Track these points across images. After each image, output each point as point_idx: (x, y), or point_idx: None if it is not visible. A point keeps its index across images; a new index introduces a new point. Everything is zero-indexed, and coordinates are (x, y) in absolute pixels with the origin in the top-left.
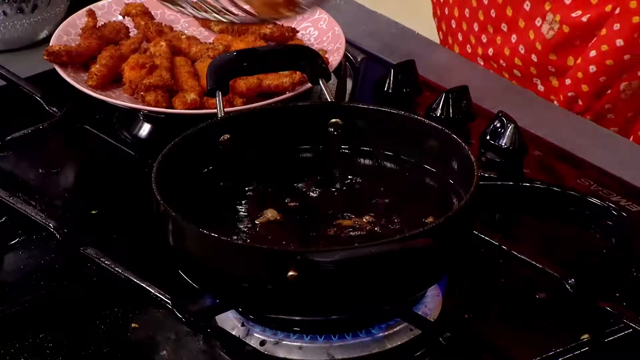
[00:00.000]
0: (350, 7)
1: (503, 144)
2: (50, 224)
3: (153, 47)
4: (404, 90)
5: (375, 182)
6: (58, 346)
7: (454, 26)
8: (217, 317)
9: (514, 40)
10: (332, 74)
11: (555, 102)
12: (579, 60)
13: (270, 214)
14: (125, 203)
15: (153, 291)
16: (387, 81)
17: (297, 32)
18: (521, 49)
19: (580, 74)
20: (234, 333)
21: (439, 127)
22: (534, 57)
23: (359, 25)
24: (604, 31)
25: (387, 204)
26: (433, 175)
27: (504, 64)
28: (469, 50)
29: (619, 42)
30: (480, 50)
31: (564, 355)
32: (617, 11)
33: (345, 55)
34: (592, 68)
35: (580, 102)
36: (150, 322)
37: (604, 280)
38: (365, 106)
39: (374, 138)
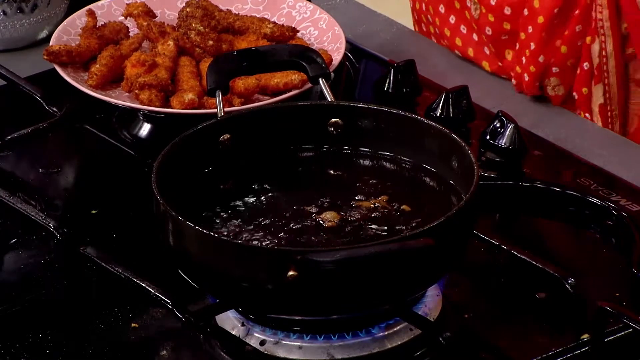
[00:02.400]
0: (350, 7)
1: (503, 144)
2: (50, 224)
3: (160, 46)
4: (404, 90)
5: (375, 182)
6: (58, 346)
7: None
8: (217, 317)
9: (452, 21)
10: (332, 73)
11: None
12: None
13: (330, 215)
14: (125, 203)
15: (153, 291)
16: (387, 81)
17: (298, 31)
18: (462, 29)
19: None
20: (234, 333)
21: (439, 127)
22: (474, 37)
23: (359, 25)
24: (522, 35)
25: (386, 203)
26: (433, 175)
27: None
28: (425, 29)
29: (532, 46)
30: (432, 29)
31: (564, 355)
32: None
33: (345, 55)
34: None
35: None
36: (150, 322)
37: (604, 280)
38: (365, 106)
39: (374, 138)
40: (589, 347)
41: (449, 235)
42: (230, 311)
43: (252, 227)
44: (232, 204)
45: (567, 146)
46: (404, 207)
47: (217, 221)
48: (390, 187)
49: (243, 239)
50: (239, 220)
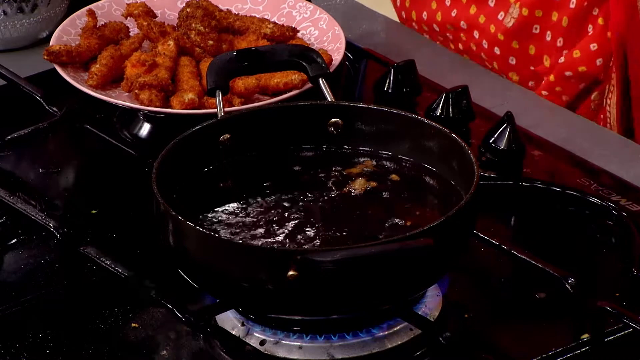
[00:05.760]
0: (350, 7)
1: (502, 144)
2: (50, 224)
3: (161, 46)
4: (404, 90)
5: (375, 182)
6: (58, 346)
7: (416, 28)
8: (217, 317)
9: (476, 36)
10: (332, 73)
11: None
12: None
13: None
14: (125, 203)
15: (153, 291)
16: (387, 81)
17: (298, 31)
18: (485, 44)
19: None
20: (234, 333)
21: (439, 127)
22: (496, 50)
23: (359, 25)
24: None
25: (386, 204)
26: (433, 175)
27: (486, 46)
28: (451, 37)
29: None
30: (463, 36)
31: (563, 355)
32: None
33: (345, 55)
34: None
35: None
36: (150, 322)
37: (604, 280)
38: (365, 106)
39: (374, 138)
40: (589, 347)
41: (449, 235)
42: (230, 311)
43: (252, 227)
44: (232, 203)
45: (567, 146)
46: (403, 207)
47: (217, 221)
48: (390, 187)
49: (243, 239)
50: (239, 220)
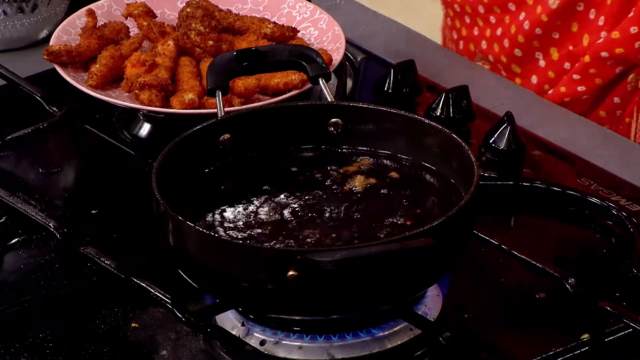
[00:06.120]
0: (350, 7)
1: (502, 144)
2: (50, 224)
3: (160, 46)
4: (404, 90)
5: (375, 182)
6: (58, 346)
7: (458, 10)
8: (217, 317)
9: (521, 18)
10: (332, 74)
11: (552, 74)
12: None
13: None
14: (125, 203)
15: (153, 291)
16: (387, 81)
17: (298, 31)
18: (526, 25)
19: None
20: (234, 333)
21: (439, 127)
22: (538, 31)
23: (359, 25)
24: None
25: (386, 204)
26: (433, 175)
27: (507, 44)
28: (476, 33)
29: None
30: (488, 32)
31: (564, 355)
32: None
33: (345, 55)
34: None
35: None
36: (150, 322)
37: (604, 280)
38: (365, 106)
39: (374, 138)
40: (589, 347)
41: (449, 235)
42: (230, 311)
43: (252, 227)
44: (232, 204)
45: (567, 146)
46: (403, 207)
47: (217, 221)
48: (390, 187)
49: (243, 239)
50: (239, 220)
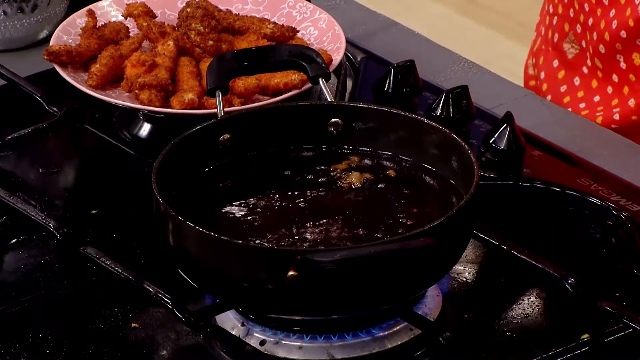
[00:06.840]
0: (350, 7)
1: (502, 144)
2: (50, 224)
3: (160, 46)
4: (404, 90)
5: (375, 183)
6: (58, 346)
7: None
8: (217, 317)
9: (611, 15)
10: (332, 74)
11: (633, 78)
12: None
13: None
14: (125, 203)
15: (153, 291)
16: (387, 81)
17: (298, 31)
18: (614, 24)
19: None
20: (233, 333)
21: (439, 127)
22: (623, 34)
23: (359, 25)
24: None
25: (386, 203)
26: (433, 175)
27: (595, 37)
28: (572, 15)
29: None
30: (582, 17)
31: (564, 355)
32: None
33: (345, 55)
34: None
35: None
36: (150, 322)
37: (604, 280)
38: (365, 106)
39: (374, 138)
40: (589, 347)
41: (449, 235)
42: (230, 311)
43: (252, 226)
44: (232, 203)
45: (567, 146)
46: (403, 207)
47: (217, 221)
48: (390, 187)
49: (243, 238)
50: (239, 220)
